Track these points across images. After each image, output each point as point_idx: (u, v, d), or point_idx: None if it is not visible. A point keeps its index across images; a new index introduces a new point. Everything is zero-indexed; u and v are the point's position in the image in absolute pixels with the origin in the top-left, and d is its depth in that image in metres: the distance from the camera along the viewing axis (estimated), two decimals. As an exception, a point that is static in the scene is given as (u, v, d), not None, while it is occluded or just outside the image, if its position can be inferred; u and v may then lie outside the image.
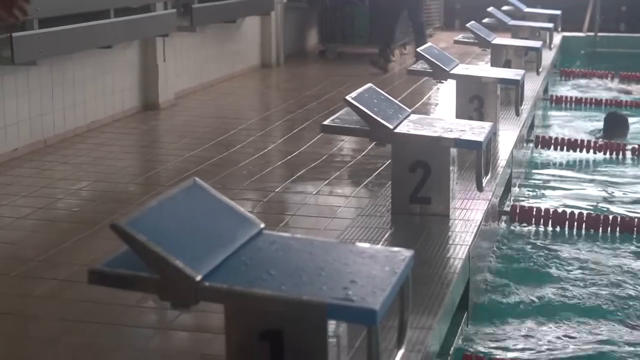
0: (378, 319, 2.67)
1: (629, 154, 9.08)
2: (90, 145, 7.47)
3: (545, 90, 11.68)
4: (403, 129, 5.26)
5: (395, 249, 3.15)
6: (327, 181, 6.39)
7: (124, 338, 3.91)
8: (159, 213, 2.89)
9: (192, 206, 3.07)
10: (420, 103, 9.56)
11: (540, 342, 4.95)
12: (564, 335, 5.05)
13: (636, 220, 6.77)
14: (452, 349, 4.45)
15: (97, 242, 5.07)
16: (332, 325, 2.87)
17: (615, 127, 9.79)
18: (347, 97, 5.15)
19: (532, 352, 4.84)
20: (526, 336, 5.00)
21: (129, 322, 4.02)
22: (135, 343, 3.88)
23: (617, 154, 9.07)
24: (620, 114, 10.20)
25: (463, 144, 5.24)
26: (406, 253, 3.09)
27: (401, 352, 3.12)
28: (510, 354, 4.75)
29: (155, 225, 2.81)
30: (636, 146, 9.20)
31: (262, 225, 3.17)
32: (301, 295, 2.70)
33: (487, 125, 5.48)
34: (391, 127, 5.18)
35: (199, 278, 2.70)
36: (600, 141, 9.38)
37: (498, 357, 4.63)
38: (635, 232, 6.66)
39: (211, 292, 2.72)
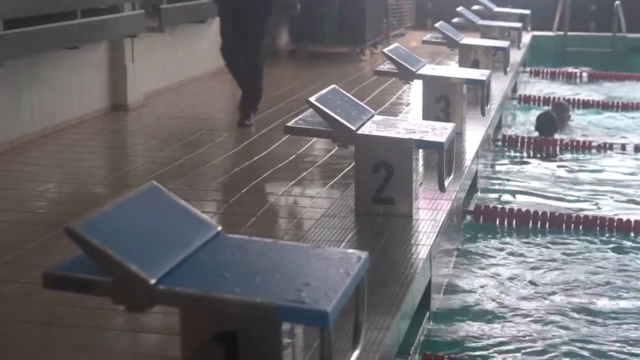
0: (330, 320, 2.70)
1: (594, 152, 9.18)
2: (57, 146, 7.46)
3: (514, 90, 11.76)
4: (366, 130, 5.31)
5: (350, 250, 3.18)
6: (293, 182, 6.43)
7: (88, 340, 3.92)
8: (114, 216, 2.91)
9: (148, 209, 3.10)
10: (388, 103, 9.61)
11: (502, 341, 5.01)
12: (526, 334, 5.11)
13: (599, 217, 6.86)
14: (412, 348, 4.49)
15: (62, 244, 5.05)
16: (288, 326, 2.90)
17: (546, 126, 9.85)
18: (310, 99, 5.19)
19: (494, 351, 4.89)
20: (488, 335, 5.06)
21: (93, 324, 4.04)
22: (100, 345, 3.90)
23: (583, 152, 9.16)
24: (551, 113, 10.27)
25: (425, 145, 5.29)
26: (361, 254, 3.13)
27: (357, 352, 3.15)
28: (471, 353, 4.80)
29: (109, 229, 2.83)
30: (601, 144, 9.30)
31: (219, 228, 3.20)
32: (254, 298, 2.74)
33: (449, 126, 5.53)
34: (354, 128, 5.22)
35: (152, 281, 2.73)
36: (566, 140, 9.47)
37: (459, 356, 4.68)
38: (598, 229, 6.75)
39: (165, 296, 2.74)
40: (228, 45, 8.17)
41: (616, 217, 6.89)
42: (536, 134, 9.84)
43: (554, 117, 9.98)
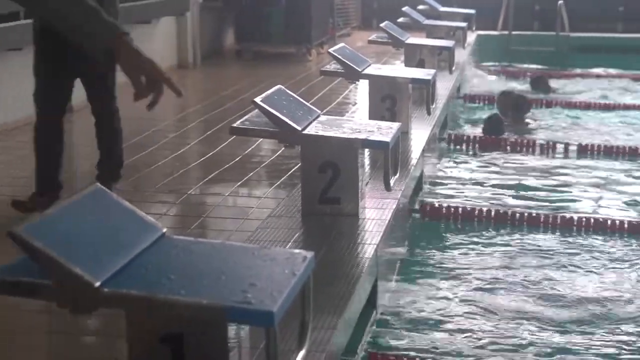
0: (275, 320, 2.72)
1: (537, 150, 9.29)
2: (0, 149, 7.39)
3: (459, 89, 11.86)
4: (312, 130, 5.33)
5: (296, 250, 3.20)
6: (240, 182, 6.43)
7: (34, 343, 3.90)
8: (58, 219, 2.90)
9: (93, 212, 3.08)
10: (335, 103, 9.64)
11: (449, 339, 5.05)
12: (472, 331, 5.16)
13: (543, 214, 6.95)
14: (359, 347, 4.52)
15: (3, 249, 5.02)
16: (234, 328, 2.91)
17: (494, 128, 9.95)
18: (256, 100, 5.20)
19: (441, 349, 4.93)
20: (435, 334, 5.10)
21: (39, 327, 4.01)
22: (46, 348, 3.87)
23: (527, 151, 9.27)
24: (498, 115, 10.38)
25: (370, 145, 5.33)
26: (307, 254, 3.15)
27: (303, 352, 3.17)
28: (418, 352, 4.83)
29: (53, 232, 2.82)
30: (545, 143, 9.41)
31: (164, 230, 3.20)
32: (200, 299, 2.74)
33: (395, 126, 5.57)
34: (299, 128, 5.24)
35: (97, 284, 2.72)
36: (511, 138, 9.57)
37: (406, 355, 4.72)
38: (542, 226, 6.84)
39: (110, 298, 2.74)
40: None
41: (559, 214, 6.98)
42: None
43: (501, 119, 10.08)
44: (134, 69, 2.92)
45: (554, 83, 13.25)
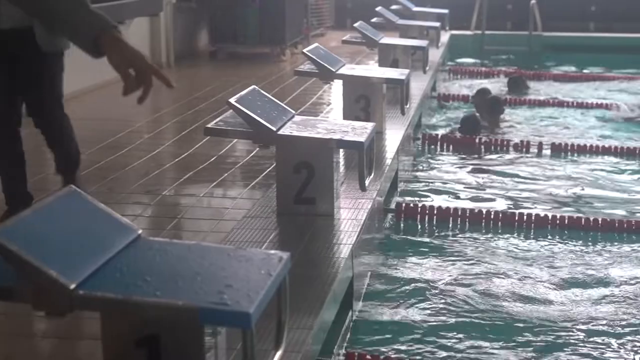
0: (252, 322, 2.72)
1: (511, 150, 9.34)
2: (-27, 150, 7.33)
3: (434, 89, 11.90)
4: (286, 130, 5.33)
5: (272, 251, 3.20)
6: (215, 183, 6.42)
7: (9, 347, 3.87)
8: (32, 222, 2.88)
9: (67, 214, 3.07)
10: (309, 103, 9.65)
11: (425, 338, 5.06)
12: (449, 330, 5.18)
13: (517, 214, 6.99)
14: (335, 347, 4.53)
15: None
16: (210, 329, 2.91)
17: (470, 128, 9.99)
18: (230, 100, 5.19)
19: (418, 348, 4.94)
20: (411, 332, 5.11)
21: (13, 330, 3.98)
22: (21, 351, 3.85)
23: (501, 150, 9.31)
24: (475, 115, 10.43)
25: (345, 145, 5.34)
26: (282, 255, 3.15)
27: (279, 353, 3.17)
28: (394, 352, 4.85)
29: (28, 234, 2.80)
30: (519, 143, 9.46)
31: (140, 232, 3.18)
32: (176, 301, 2.73)
33: (369, 126, 5.58)
34: (274, 129, 5.24)
35: (72, 286, 2.71)
36: (485, 138, 9.61)
37: (382, 354, 4.73)
38: (516, 225, 6.88)
39: (85, 300, 2.72)
40: None
41: (534, 213, 7.01)
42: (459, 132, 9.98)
43: (478, 119, 10.12)
44: (123, 61, 2.90)
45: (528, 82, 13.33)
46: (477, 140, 9.45)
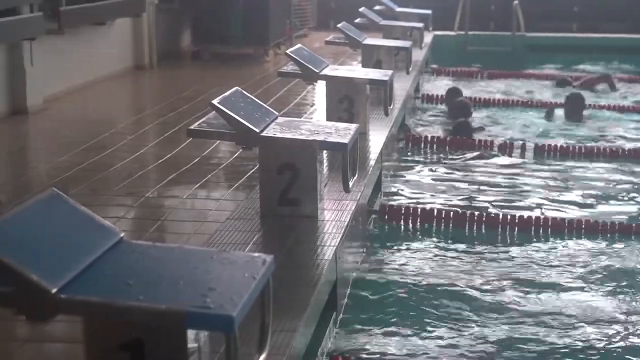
0: (236, 325, 2.70)
1: (495, 151, 9.34)
2: (-47, 152, 7.30)
3: (417, 89, 11.90)
4: (270, 132, 5.31)
5: (256, 254, 3.18)
6: (198, 184, 6.39)
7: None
8: (13, 225, 2.86)
9: (49, 217, 3.05)
10: (293, 104, 9.63)
11: (409, 340, 5.06)
12: (433, 331, 5.17)
13: (501, 215, 6.99)
14: (320, 350, 4.51)
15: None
16: (194, 332, 2.89)
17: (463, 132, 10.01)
18: (213, 102, 5.17)
19: (401, 350, 4.93)
20: (395, 335, 5.10)
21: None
22: (2, 356, 3.82)
23: (485, 151, 9.32)
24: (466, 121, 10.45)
25: (328, 146, 5.32)
26: (266, 258, 3.13)
27: (263, 356, 3.16)
28: (378, 354, 4.83)
29: (9, 238, 2.78)
30: (502, 143, 9.47)
31: (122, 235, 3.17)
32: (159, 305, 2.72)
33: (353, 127, 5.57)
34: (257, 130, 5.22)
35: (54, 291, 2.69)
36: (469, 139, 9.61)
37: (366, 357, 4.71)
38: (500, 227, 6.88)
39: (68, 305, 2.70)
40: None
41: (517, 215, 7.02)
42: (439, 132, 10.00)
43: (470, 124, 10.12)
44: None
45: (509, 82, 13.38)
46: (460, 141, 9.45)
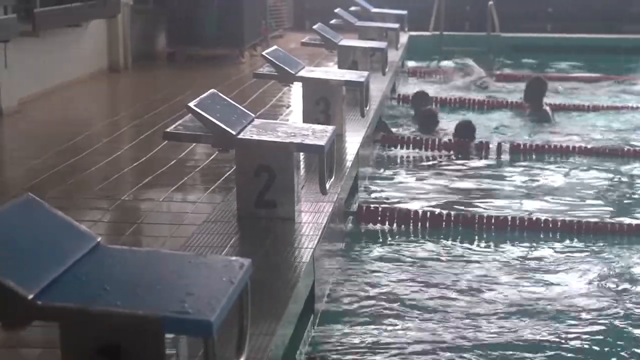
0: (214, 330, 2.69)
1: (473, 152, 9.37)
2: None
3: (393, 90, 11.91)
4: (246, 134, 5.30)
5: (234, 258, 3.17)
6: (175, 187, 6.36)
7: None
8: (-12, 231, 2.84)
9: (24, 222, 3.02)
10: (269, 106, 9.61)
11: (387, 342, 5.06)
12: (410, 333, 5.17)
13: (477, 216, 7.01)
14: (298, 352, 4.51)
15: None
16: (171, 336, 2.88)
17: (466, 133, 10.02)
18: (189, 104, 5.15)
19: (379, 353, 4.93)
20: (373, 336, 5.10)
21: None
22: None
23: (462, 152, 9.34)
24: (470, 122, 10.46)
25: (305, 149, 5.32)
26: (244, 262, 3.12)
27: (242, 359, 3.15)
28: (356, 355, 4.83)
29: (-16, 244, 2.76)
30: (478, 143, 9.49)
31: (99, 239, 3.15)
32: (136, 310, 2.70)
33: (329, 129, 5.57)
34: (234, 132, 5.20)
35: (30, 297, 2.67)
36: (445, 139, 9.64)
37: (343, 357, 4.71)
38: (476, 227, 6.90)
39: (44, 311, 2.68)
40: None
41: (493, 215, 7.04)
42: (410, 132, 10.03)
43: (473, 125, 10.14)
44: None
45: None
46: (436, 141, 9.47)
